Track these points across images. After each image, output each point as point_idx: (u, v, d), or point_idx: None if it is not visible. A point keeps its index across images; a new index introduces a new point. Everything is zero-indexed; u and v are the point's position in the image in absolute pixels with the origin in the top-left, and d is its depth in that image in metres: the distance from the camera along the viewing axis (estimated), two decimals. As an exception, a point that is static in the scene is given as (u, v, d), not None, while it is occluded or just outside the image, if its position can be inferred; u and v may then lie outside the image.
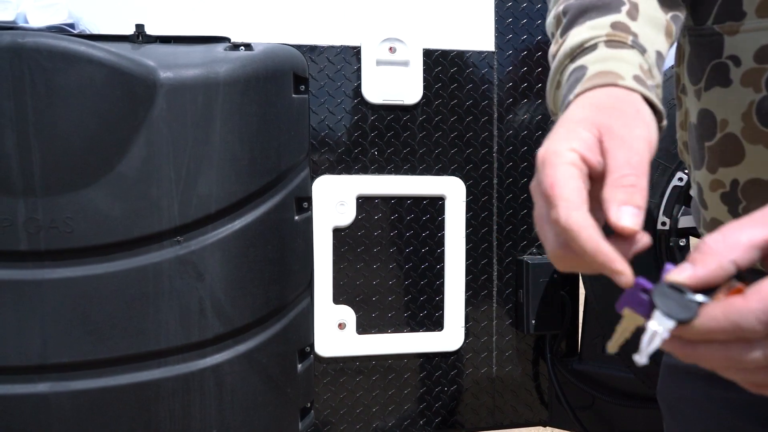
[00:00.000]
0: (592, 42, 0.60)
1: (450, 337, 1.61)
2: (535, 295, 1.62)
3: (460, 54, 1.60)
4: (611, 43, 0.59)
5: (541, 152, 0.50)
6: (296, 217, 1.37)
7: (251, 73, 1.27)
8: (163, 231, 1.24)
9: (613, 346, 0.48)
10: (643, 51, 0.59)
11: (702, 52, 0.70)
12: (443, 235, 1.60)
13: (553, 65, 0.63)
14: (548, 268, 1.63)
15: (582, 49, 0.60)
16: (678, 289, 0.44)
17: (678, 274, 0.44)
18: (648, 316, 0.45)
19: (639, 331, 0.46)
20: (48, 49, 1.16)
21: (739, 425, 0.74)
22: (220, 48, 1.28)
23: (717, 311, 0.43)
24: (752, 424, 0.73)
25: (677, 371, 0.81)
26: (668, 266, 0.46)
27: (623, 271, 0.45)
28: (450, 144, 1.61)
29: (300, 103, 1.35)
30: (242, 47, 1.28)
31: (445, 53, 1.59)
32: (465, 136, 1.61)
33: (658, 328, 0.43)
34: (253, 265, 1.30)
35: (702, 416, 0.77)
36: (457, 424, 1.65)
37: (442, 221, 1.60)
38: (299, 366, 1.40)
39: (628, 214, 0.46)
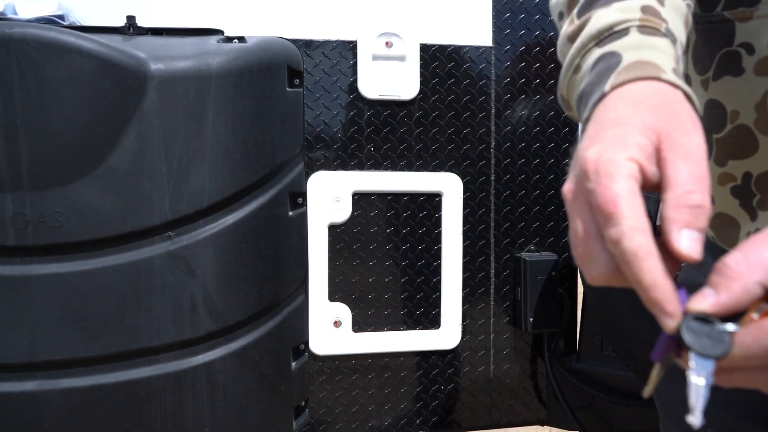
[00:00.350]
0: (624, 26, 0.54)
1: (447, 335, 1.60)
2: (533, 292, 1.60)
3: (458, 49, 1.58)
4: (645, 29, 0.54)
5: (592, 158, 0.44)
6: (290, 213, 1.35)
7: (244, 65, 1.25)
8: (155, 226, 1.21)
9: (649, 391, 0.45)
10: (674, 40, 0.55)
11: (710, 40, 0.68)
12: (440, 232, 1.58)
13: (573, 47, 0.58)
14: (546, 266, 1.61)
15: (611, 33, 0.55)
16: (704, 319, 0.40)
17: (701, 302, 0.41)
18: (678, 353, 0.42)
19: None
20: (36, 40, 1.14)
21: (738, 426, 0.72)
22: (212, 40, 1.26)
23: (748, 339, 0.40)
24: (752, 424, 0.72)
25: (673, 371, 0.79)
26: (681, 292, 0.43)
27: (674, 316, 0.41)
28: (447, 140, 1.59)
29: (294, 97, 1.33)
30: (236, 40, 1.26)
31: (442, 48, 1.58)
32: (462, 132, 1.60)
33: (699, 380, 0.40)
34: (246, 262, 1.28)
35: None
36: (454, 423, 1.64)
37: (439, 218, 1.58)
38: (293, 364, 1.39)
39: (689, 239, 0.42)
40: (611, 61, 0.52)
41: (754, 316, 0.40)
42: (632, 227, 0.41)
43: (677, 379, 0.78)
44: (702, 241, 0.43)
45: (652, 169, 0.44)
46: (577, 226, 0.45)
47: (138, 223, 1.21)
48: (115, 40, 1.21)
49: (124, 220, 1.20)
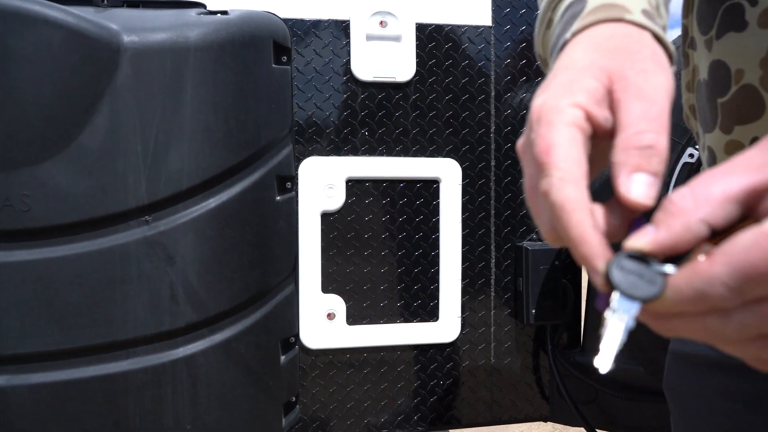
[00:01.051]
0: None
1: (446, 327, 1.55)
2: (536, 283, 1.56)
3: (455, 29, 1.54)
4: None
5: (537, 105, 0.42)
6: (278, 197, 1.30)
7: (226, 38, 1.19)
8: (130, 210, 1.17)
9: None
10: None
11: None
12: (438, 220, 1.54)
13: (544, 1, 0.55)
14: (549, 255, 1.57)
15: None
16: (642, 258, 0.36)
17: (637, 239, 0.37)
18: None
19: None
20: None
21: (754, 420, 0.67)
22: (192, 13, 1.21)
23: (680, 280, 0.36)
24: (761, 416, 0.66)
25: (684, 360, 0.74)
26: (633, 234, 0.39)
27: (601, 273, 0.37)
28: (445, 124, 1.55)
29: (281, 75, 1.28)
30: (218, 14, 1.21)
31: (439, 28, 1.53)
32: (460, 115, 1.55)
33: (618, 324, 0.37)
34: (229, 248, 1.23)
35: (712, 414, 0.70)
36: (453, 420, 1.60)
37: (437, 206, 1.54)
38: (282, 357, 1.34)
39: (640, 183, 0.38)
40: (577, 8, 0.50)
41: (700, 258, 0.36)
42: (562, 179, 0.39)
43: (689, 369, 0.72)
44: (657, 186, 0.39)
45: (603, 115, 0.42)
46: (525, 181, 0.44)
47: (112, 207, 1.16)
48: (86, 11, 1.15)
49: (97, 204, 1.15)
